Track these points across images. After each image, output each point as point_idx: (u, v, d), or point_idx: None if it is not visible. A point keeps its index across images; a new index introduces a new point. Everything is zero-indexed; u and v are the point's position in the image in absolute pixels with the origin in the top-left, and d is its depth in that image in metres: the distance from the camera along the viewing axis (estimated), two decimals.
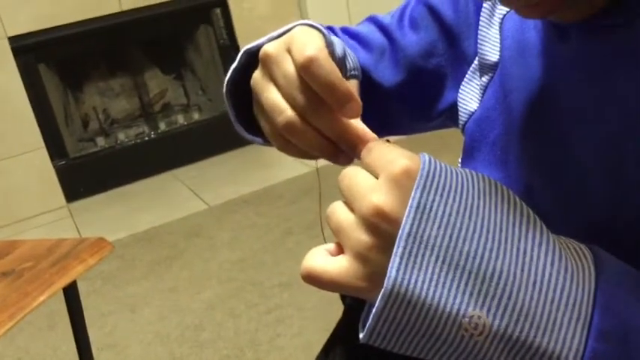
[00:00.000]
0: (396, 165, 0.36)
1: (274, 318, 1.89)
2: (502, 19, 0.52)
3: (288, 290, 2.01)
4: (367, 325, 0.35)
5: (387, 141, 0.43)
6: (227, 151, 3.18)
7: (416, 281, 0.34)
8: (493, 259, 0.34)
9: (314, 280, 0.38)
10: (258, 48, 0.49)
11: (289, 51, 0.44)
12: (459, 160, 0.58)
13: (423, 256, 0.34)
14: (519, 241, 0.35)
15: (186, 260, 2.31)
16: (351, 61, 0.55)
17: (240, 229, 2.45)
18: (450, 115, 0.60)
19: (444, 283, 0.34)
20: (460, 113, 0.57)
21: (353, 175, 0.39)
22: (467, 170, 0.38)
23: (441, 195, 0.35)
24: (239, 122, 0.55)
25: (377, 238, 0.36)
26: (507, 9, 0.52)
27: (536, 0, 0.38)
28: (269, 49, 0.46)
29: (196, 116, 3.30)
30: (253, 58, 0.50)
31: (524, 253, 0.35)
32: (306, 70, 0.42)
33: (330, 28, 0.64)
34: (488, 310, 0.34)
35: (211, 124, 3.23)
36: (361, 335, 0.36)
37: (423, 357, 0.36)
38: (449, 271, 0.34)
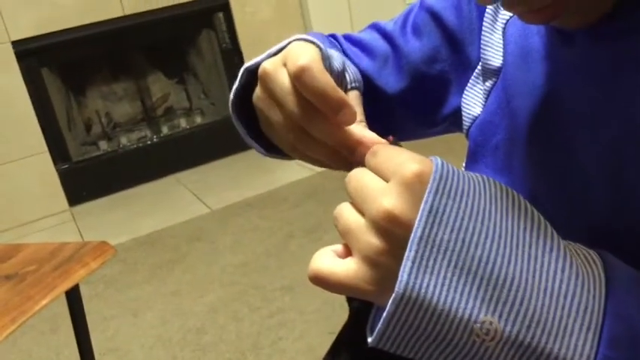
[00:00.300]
0: (408, 168, 0.36)
1: (276, 321, 1.89)
2: (505, 24, 0.52)
3: (290, 294, 2.01)
4: (377, 329, 0.35)
5: (398, 144, 0.43)
6: (229, 155, 3.19)
7: (427, 285, 0.34)
8: (505, 265, 0.34)
9: (321, 281, 0.38)
10: (258, 65, 0.49)
11: (285, 65, 0.45)
12: (463, 165, 0.58)
13: (435, 260, 0.34)
14: (530, 247, 0.35)
15: (189, 264, 2.31)
16: (352, 74, 0.55)
17: (242, 233, 2.45)
18: (454, 121, 0.60)
19: (456, 287, 0.34)
20: (464, 118, 0.57)
21: (360, 177, 0.39)
22: (478, 175, 0.38)
23: (454, 199, 0.35)
24: (254, 138, 0.56)
25: (387, 242, 0.35)
26: (510, 14, 0.52)
27: (538, 5, 0.38)
28: (267, 66, 0.47)
29: (199, 120, 3.31)
30: (254, 76, 0.50)
31: (536, 259, 0.35)
32: (298, 79, 0.43)
33: (333, 36, 0.65)
34: (500, 316, 0.34)
35: (214, 127, 3.24)
36: (370, 339, 0.36)
37: None
38: (461, 275, 0.34)
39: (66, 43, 2.79)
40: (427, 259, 0.34)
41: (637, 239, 0.40)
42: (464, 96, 0.58)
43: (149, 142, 3.13)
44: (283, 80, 0.45)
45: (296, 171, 2.80)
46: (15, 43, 2.69)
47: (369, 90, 0.61)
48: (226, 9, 3.09)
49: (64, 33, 2.77)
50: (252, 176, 2.96)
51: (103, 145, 3.12)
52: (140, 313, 2.07)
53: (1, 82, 2.69)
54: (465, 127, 0.58)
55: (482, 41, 0.55)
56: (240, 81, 0.53)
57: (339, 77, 0.51)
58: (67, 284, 1.25)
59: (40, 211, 2.86)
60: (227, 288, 2.11)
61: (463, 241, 0.34)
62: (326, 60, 0.47)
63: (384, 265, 0.36)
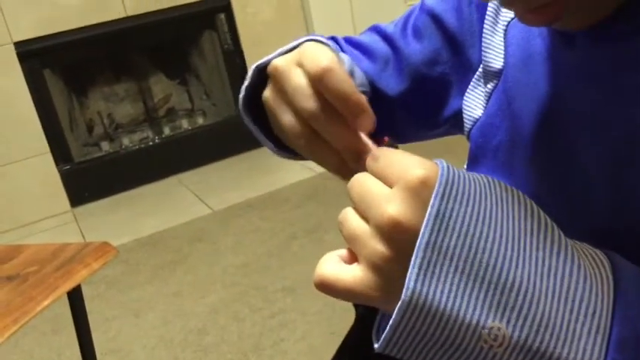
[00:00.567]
0: (412, 174, 0.36)
1: (278, 322, 1.89)
2: (506, 26, 0.52)
3: (292, 295, 2.01)
4: (383, 336, 0.35)
5: (394, 145, 0.43)
6: (231, 156, 3.19)
7: (434, 292, 0.34)
8: (512, 269, 0.34)
9: (327, 288, 0.37)
10: (268, 64, 0.49)
11: (300, 64, 0.45)
12: (464, 167, 0.58)
13: (442, 266, 0.34)
14: (537, 250, 0.35)
15: (191, 265, 2.31)
16: (359, 78, 0.55)
17: (244, 234, 2.45)
18: (455, 123, 0.60)
19: (463, 294, 0.34)
20: (465, 120, 0.57)
21: (364, 182, 0.39)
22: (482, 176, 0.38)
23: (460, 203, 0.35)
24: (267, 137, 0.56)
25: (393, 249, 0.35)
26: (512, 16, 0.52)
27: (535, 4, 0.38)
28: (278, 63, 0.46)
29: (200, 121, 3.31)
30: (264, 74, 0.50)
31: (543, 262, 0.35)
32: (320, 80, 0.42)
33: (334, 39, 0.65)
34: (508, 322, 0.33)
35: (215, 128, 3.24)
36: (376, 345, 0.36)
37: None
38: (468, 281, 0.34)
39: (68, 44, 2.80)
40: (434, 265, 0.34)
41: (637, 239, 0.40)
42: (465, 98, 0.58)
43: (151, 143, 3.14)
44: (297, 79, 0.44)
45: (297, 172, 2.80)
46: (17, 44, 2.70)
47: (370, 93, 0.61)
48: (228, 10, 3.10)
49: (66, 34, 2.78)
50: (253, 177, 2.96)
51: (105, 146, 3.12)
52: (142, 314, 2.07)
53: (3, 83, 2.69)
54: (466, 129, 0.58)
55: (483, 44, 0.54)
56: (250, 79, 0.53)
57: None
58: (69, 285, 1.25)
59: (41, 212, 2.86)
60: (228, 289, 2.11)
61: (470, 246, 0.34)
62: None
63: (390, 271, 0.35)
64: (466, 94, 0.58)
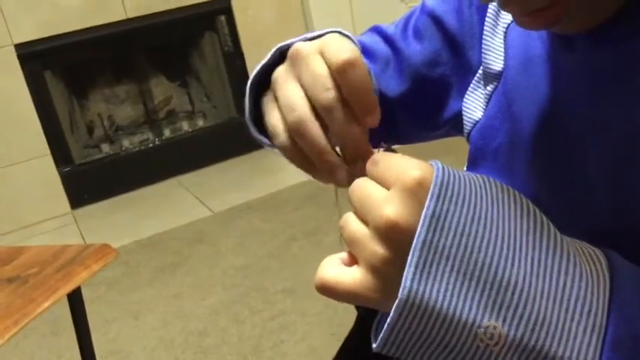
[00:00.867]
0: (409, 175, 0.36)
1: (278, 324, 1.89)
2: (506, 28, 0.52)
3: (292, 296, 2.01)
4: (381, 335, 0.35)
5: (393, 150, 0.44)
6: (231, 158, 3.19)
7: (431, 291, 0.34)
8: (508, 268, 0.34)
9: (328, 290, 0.38)
10: (289, 47, 0.49)
11: (322, 53, 0.45)
12: (465, 169, 0.58)
13: (438, 265, 0.34)
14: (534, 249, 0.35)
15: (191, 266, 2.31)
16: (373, 78, 0.56)
17: (244, 236, 2.45)
18: (454, 124, 0.60)
19: (459, 293, 0.34)
20: (465, 122, 0.57)
21: (363, 186, 0.39)
22: (479, 176, 0.38)
23: (456, 203, 0.35)
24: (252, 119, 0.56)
25: (391, 250, 0.36)
26: (512, 19, 0.52)
27: (532, 7, 0.38)
28: (300, 46, 0.46)
29: (201, 123, 3.31)
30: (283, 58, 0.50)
31: (539, 261, 0.35)
32: (342, 72, 0.43)
33: None
34: (504, 321, 0.34)
35: (216, 130, 3.24)
36: (374, 345, 0.36)
37: None
38: (464, 280, 0.34)
39: (68, 46, 2.80)
40: (430, 265, 0.34)
41: (637, 239, 0.40)
42: (465, 100, 0.58)
43: (151, 145, 3.14)
44: (317, 66, 0.44)
45: (297, 174, 2.79)
46: (18, 47, 2.70)
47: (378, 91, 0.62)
48: (228, 12, 3.10)
49: (67, 36, 2.78)
50: (253, 179, 2.96)
51: (105, 148, 3.13)
52: (142, 316, 2.07)
53: (3, 84, 2.69)
54: (465, 131, 0.58)
55: (483, 45, 0.55)
56: (271, 57, 0.52)
57: None
58: (69, 287, 1.25)
59: (42, 214, 2.86)
60: (229, 290, 2.12)
61: (466, 246, 0.34)
62: None
63: (389, 272, 0.36)
64: (466, 95, 0.58)
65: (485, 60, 0.54)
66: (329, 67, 0.44)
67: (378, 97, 0.62)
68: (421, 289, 0.34)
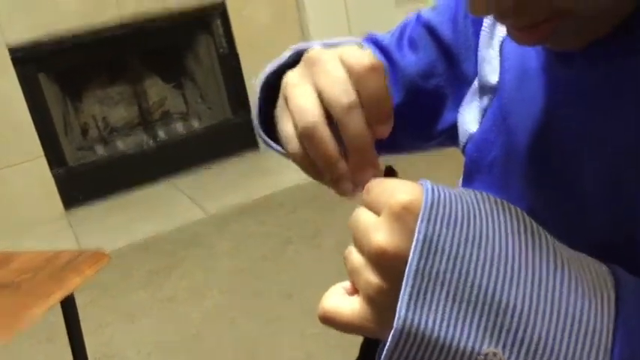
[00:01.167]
0: (395, 200, 0.35)
1: (275, 329, 1.89)
2: (502, 41, 0.52)
3: (288, 300, 2.00)
4: None
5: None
6: (226, 159, 3.17)
7: (426, 321, 0.33)
8: (506, 291, 0.33)
9: (329, 321, 0.38)
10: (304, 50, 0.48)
11: (341, 58, 0.43)
12: (459, 182, 0.58)
13: (433, 292, 0.33)
14: (532, 268, 0.34)
15: (186, 269, 2.30)
16: None
17: (239, 238, 2.44)
18: (450, 136, 0.60)
19: (456, 320, 0.33)
20: (460, 135, 0.57)
21: (358, 214, 0.38)
22: (470, 192, 0.37)
23: (448, 225, 0.34)
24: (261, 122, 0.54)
25: (385, 279, 0.35)
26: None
27: (530, 21, 0.37)
28: (318, 50, 0.45)
29: (196, 124, 3.30)
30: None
31: (540, 281, 0.34)
32: (364, 77, 0.42)
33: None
34: (504, 346, 0.33)
35: (211, 132, 3.23)
36: None
37: None
38: (461, 307, 0.33)
39: (63, 48, 2.78)
40: (424, 292, 0.33)
41: (637, 248, 0.40)
42: (460, 112, 0.57)
43: (145, 147, 3.12)
44: (336, 70, 0.43)
45: (294, 175, 2.79)
46: (12, 49, 2.68)
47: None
48: (223, 14, 3.09)
49: (61, 39, 2.76)
50: (249, 181, 2.95)
51: (100, 150, 3.11)
52: (136, 319, 2.06)
53: None
54: (460, 143, 0.57)
55: (478, 58, 0.54)
56: (288, 58, 0.51)
57: None
58: (63, 293, 1.24)
59: (35, 216, 2.84)
60: (224, 294, 2.11)
61: (461, 269, 0.33)
62: None
63: (384, 302, 0.35)
64: (461, 108, 0.57)
65: (480, 72, 0.54)
66: (349, 72, 0.42)
67: None
68: (416, 318, 0.33)
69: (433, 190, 0.35)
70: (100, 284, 2.28)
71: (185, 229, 2.60)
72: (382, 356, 0.34)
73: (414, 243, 0.34)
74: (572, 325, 0.33)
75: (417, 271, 0.33)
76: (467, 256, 0.34)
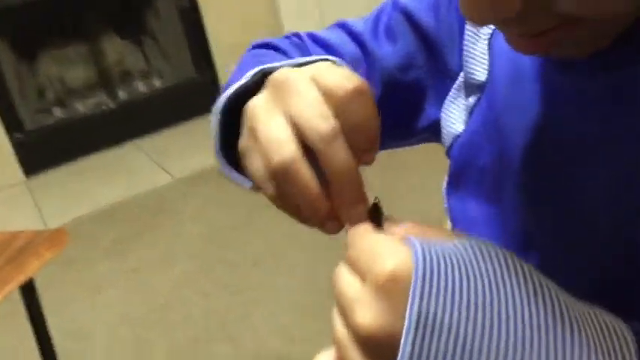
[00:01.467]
0: (381, 269, 0.31)
1: (245, 298, 1.85)
2: (491, 35, 0.47)
3: (258, 268, 1.97)
4: None
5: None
6: (192, 120, 3.08)
7: None
8: None
9: None
10: (272, 70, 0.41)
11: (315, 81, 0.37)
12: (445, 184, 0.53)
13: None
14: (547, 337, 0.30)
15: (151, 238, 2.24)
16: None
17: (207, 204, 2.38)
18: (432, 133, 0.55)
19: None
20: (444, 135, 0.52)
21: (341, 279, 0.34)
22: (466, 243, 0.33)
23: (445, 300, 0.29)
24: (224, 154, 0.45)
25: (372, 358, 0.31)
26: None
27: (537, 29, 0.33)
28: (289, 73, 0.38)
29: (158, 83, 3.19)
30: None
31: (547, 352, 0.29)
32: (349, 103, 0.36)
33: (297, 35, 0.58)
34: None
35: (174, 91, 3.13)
36: None
37: None
38: None
39: (13, 7, 2.64)
40: None
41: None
42: (444, 110, 0.52)
43: (106, 108, 3.02)
44: (312, 94, 0.36)
45: None
46: None
47: None
48: None
49: None
50: None
51: (58, 112, 3.00)
52: (102, 292, 2.01)
53: None
54: (445, 144, 0.52)
55: (464, 52, 0.49)
56: (251, 79, 0.43)
57: None
58: (21, 278, 1.20)
59: None
60: (192, 262, 2.06)
61: (463, 350, 0.29)
62: None
63: None
64: (445, 105, 0.52)
65: (467, 69, 0.49)
66: (329, 97, 0.36)
67: None
68: None
69: (425, 255, 0.31)
70: (63, 255, 2.21)
71: (150, 195, 2.53)
72: None
73: (405, 324, 0.29)
74: None
75: (410, 356, 0.29)
76: (469, 331, 0.29)
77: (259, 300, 1.83)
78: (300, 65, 0.41)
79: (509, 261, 0.32)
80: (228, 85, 0.46)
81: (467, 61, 0.49)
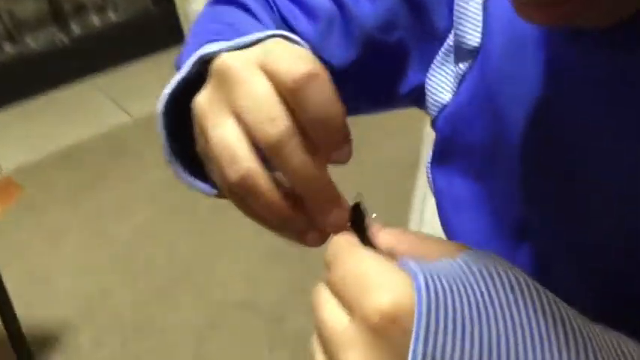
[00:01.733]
0: (374, 305, 0.25)
1: (210, 245, 1.81)
2: None
3: (222, 213, 1.92)
4: None
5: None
6: (150, 56, 2.96)
7: None
8: None
9: None
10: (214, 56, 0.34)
11: (263, 66, 0.31)
12: (428, 164, 0.47)
13: None
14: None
15: (112, 182, 2.17)
16: None
17: None
18: (415, 100, 0.49)
19: None
20: (430, 104, 0.46)
21: (321, 305, 0.28)
22: (468, 266, 0.28)
23: (453, 337, 0.25)
24: (178, 157, 0.40)
25: None
26: None
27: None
28: (231, 60, 0.32)
29: (113, 17, 3.05)
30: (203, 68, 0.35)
31: None
32: (300, 90, 0.30)
33: None
34: None
35: (131, 25, 3.00)
36: None
37: None
38: None
39: None
40: None
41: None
42: (429, 77, 0.46)
43: (59, 43, 2.89)
44: (259, 86, 0.31)
45: None
46: None
47: None
48: None
49: None
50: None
51: (7, 48, 2.85)
52: (62, 240, 1.95)
53: None
54: (431, 115, 0.47)
55: (455, 11, 0.43)
56: (190, 71, 0.37)
57: None
58: None
59: None
60: (155, 207, 2.01)
61: None
62: None
63: None
64: (431, 70, 0.46)
65: (457, 30, 0.43)
66: (278, 85, 0.31)
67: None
68: None
69: (428, 286, 0.25)
70: (19, 202, 2.13)
71: (109, 136, 2.44)
72: None
73: None
74: None
75: None
76: None
77: (223, 246, 1.79)
78: (245, 47, 0.34)
79: (523, 284, 0.27)
80: (184, 54, 0.41)
81: (457, 22, 0.43)
